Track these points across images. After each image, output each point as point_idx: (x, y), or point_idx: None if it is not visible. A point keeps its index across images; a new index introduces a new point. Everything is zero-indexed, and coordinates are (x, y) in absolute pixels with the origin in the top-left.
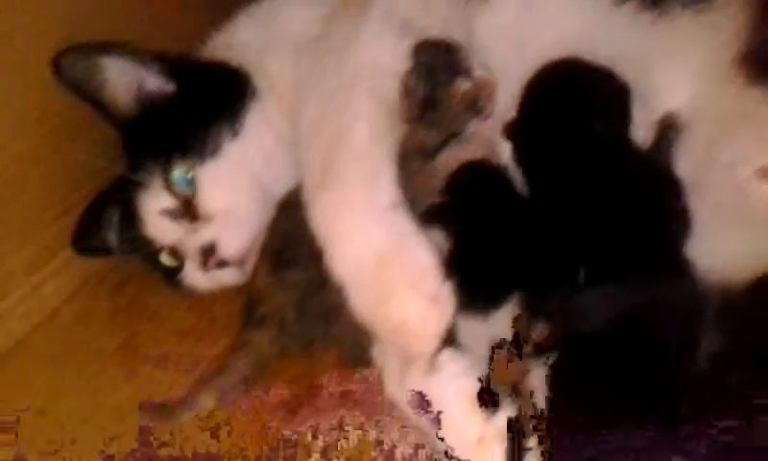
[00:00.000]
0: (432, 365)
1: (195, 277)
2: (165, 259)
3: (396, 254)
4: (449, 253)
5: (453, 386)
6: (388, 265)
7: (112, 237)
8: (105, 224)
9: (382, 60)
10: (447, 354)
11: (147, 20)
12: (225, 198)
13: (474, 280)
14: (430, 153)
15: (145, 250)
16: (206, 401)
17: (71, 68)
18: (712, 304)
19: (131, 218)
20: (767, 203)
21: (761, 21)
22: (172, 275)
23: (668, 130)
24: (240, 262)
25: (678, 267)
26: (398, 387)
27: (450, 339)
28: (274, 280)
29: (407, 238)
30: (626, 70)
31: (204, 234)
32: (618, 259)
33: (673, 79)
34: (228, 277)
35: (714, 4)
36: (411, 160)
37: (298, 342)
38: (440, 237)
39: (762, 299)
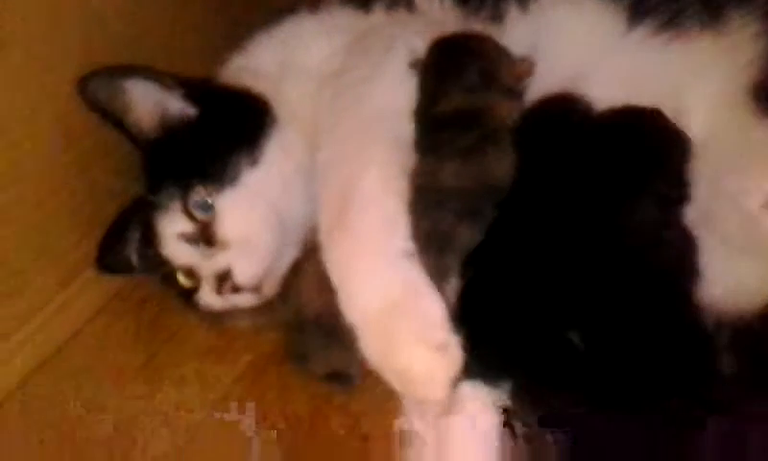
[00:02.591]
0: (450, 404)
1: (211, 299)
2: (182, 280)
3: (406, 304)
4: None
5: (474, 425)
6: (397, 315)
7: (133, 256)
8: (126, 243)
9: (400, 104)
10: (466, 390)
11: (165, 45)
12: (242, 226)
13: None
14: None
15: (163, 270)
16: None
17: (96, 91)
18: (727, 330)
19: (150, 238)
20: None
21: None
22: (189, 295)
23: None
24: (255, 289)
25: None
26: (420, 422)
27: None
28: None
29: (417, 289)
30: (641, 96)
31: (220, 260)
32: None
33: (687, 105)
34: (244, 300)
35: (730, 27)
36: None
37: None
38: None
39: None
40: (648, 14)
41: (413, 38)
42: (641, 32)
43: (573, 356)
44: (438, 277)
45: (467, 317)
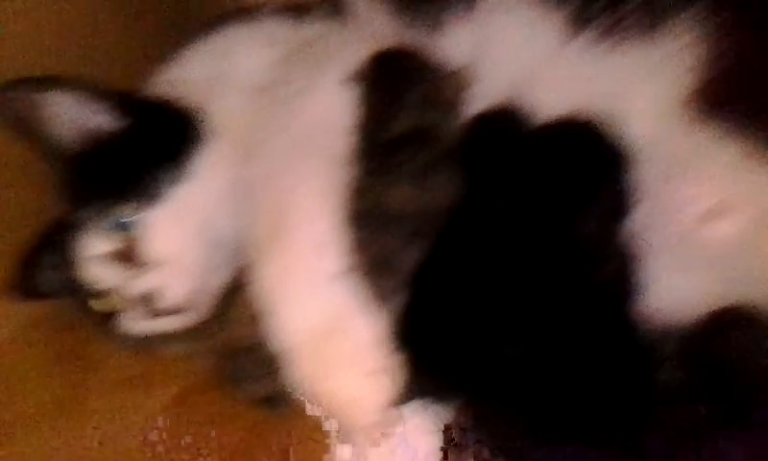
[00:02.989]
0: (387, 428)
1: (137, 323)
2: (106, 304)
3: (339, 327)
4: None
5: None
6: (330, 338)
7: (51, 281)
8: (44, 267)
9: (336, 118)
10: (407, 413)
11: (91, 56)
12: (170, 244)
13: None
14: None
15: (84, 294)
16: None
17: (12, 104)
18: (672, 340)
19: (70, 261)
20: (715, 243)
21: (714, 56)
22: (111, 321)
23: None
24: (186, 309)
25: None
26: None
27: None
28: None
29: (350, 311)
30: (583, 104)
31: (148, 281)
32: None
33: (629, 113)
34: (173, 323)
35: (671, 34)
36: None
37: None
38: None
39: (716, 334)
40: (589, 22)
41: (350, 50)
42: (583, 40)
43: (516, 374)
44: (382, 298)
45: (409, 337)
